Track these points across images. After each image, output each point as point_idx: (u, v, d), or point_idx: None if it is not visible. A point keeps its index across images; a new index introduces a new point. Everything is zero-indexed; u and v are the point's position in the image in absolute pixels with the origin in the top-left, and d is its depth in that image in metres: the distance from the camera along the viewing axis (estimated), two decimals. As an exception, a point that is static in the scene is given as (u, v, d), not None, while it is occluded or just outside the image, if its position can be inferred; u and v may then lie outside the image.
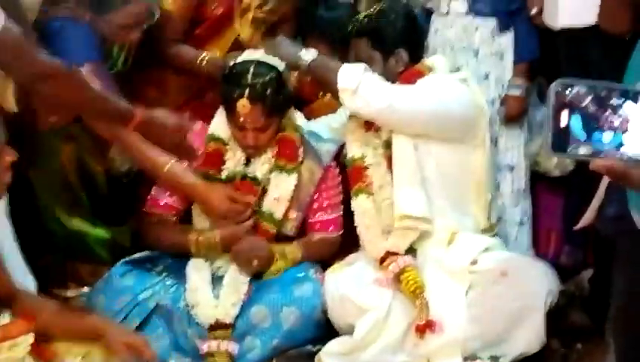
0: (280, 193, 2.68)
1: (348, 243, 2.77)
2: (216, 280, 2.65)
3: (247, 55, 2.70)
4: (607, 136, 0.96)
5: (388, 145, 2.65)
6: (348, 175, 2.73)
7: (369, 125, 2.67)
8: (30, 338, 1.93)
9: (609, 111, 0.96)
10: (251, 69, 2.61)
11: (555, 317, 2.45)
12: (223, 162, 2.71)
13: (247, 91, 2.56)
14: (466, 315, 2.43)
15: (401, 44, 2.68)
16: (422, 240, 2.60)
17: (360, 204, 2.66)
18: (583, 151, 0.97)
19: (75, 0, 2.58)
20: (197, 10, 2.85)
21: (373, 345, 2.46)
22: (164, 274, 2.67)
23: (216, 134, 2.72)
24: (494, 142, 2.90)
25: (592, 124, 0.96)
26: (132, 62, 2.76)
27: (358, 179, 2.67)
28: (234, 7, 2.85)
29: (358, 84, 2.52)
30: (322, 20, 3.03)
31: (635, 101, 0.96)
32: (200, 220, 2.72)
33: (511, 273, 2.45)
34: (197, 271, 2.64)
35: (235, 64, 2.67)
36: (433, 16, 3.00)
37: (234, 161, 2.70)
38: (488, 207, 2.70)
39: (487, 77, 2.92)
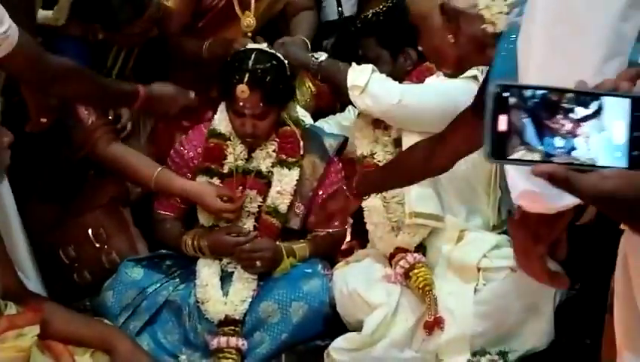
0: (283, 187, 2.69)
1: (362, 234, 2.78)
2: (226, 276, 2.66)
3: (250, 46, 2.72)
4: (557, 142, 0.92)
5: (397, 143, 2.64)
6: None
7: (378, 123, 2.67)
8: (36, 329, 1.94)
9: (558, 114, 0.92)
10: (252, 56, 2.62)
11: (563, 313, 2.43)
12: (225, 157, 2.72)
13: (246, 76, 2.57)
14: (475, 312, 2.42)
15: (410, 43, 2.68)
16: (431, 238, 2.60)
17: (369, 202, 2.66)
18: (526, 156, 0.91)
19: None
20: (198, 3, 2.87)
21: (382, 340, 2.46)
22: (173, 270, 2.70)
23: (218, 129, 2.73)
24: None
25: (540, 129, 0.91)
26: (131, 68, 2.80)
27: None
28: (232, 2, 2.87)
29: (367, 82, 2.52)
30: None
31: (584, 104, 0.92)
32: (204, 216, 2.74)
33: (520, 270, 2.43)
34: (207, 267, 2.66)
35: (236, 52, 2.68)
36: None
37: (235, 155, 2.71)
38: (498, 204, 2.69)
39: None
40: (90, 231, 2.74)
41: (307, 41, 2.85)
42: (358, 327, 2.52)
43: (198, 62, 2.88)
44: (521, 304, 2.41)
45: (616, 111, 0.92)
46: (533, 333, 2.42)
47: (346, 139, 2.82)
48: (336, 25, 3.33)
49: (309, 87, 2.96)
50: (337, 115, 2.97)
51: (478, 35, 1.81)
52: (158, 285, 2.63)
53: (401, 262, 2.51)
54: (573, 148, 0.91)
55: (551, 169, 0.90)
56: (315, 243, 2.75)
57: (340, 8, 3.36)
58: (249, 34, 2.86)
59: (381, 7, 2.72)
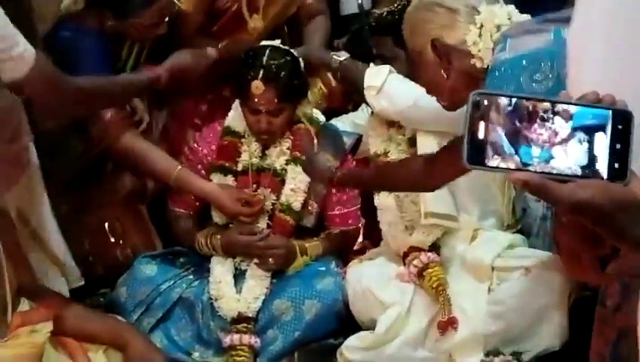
0: (296, 185, 2.69)
1: (373, 233, 2.78)
2: (240, 273, 2.66)
3: (264, 42, 2.73)
4: (535, 150, 0.92)
5: (412, 142, 2.64)
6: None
7: (392, 121, 2.66)
8: (50, 325, 1.95)
9: (536, 123, 0.92)
10: (267, 52, 2.62)
11: (577, 313, 2.42)
12: (239, 154, 2.72)
13: (261, 72, 2.57)
14: (489, 312, 2.42)
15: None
16: (445, 237, 2.60)
17: (383, 201, 2.65)
18: (502, 164, 0.92)
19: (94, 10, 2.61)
20: (211, 5, 2.88)
21: (395, 339, 2.45)
22: (186, 267, 2.71)
23: (232, 127, 2.74)
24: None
25: (518, 138, 0.92)
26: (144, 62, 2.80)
27: None
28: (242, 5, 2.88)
29: (383, 82, 2.52)
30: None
31: (563, 115, 0.92)
32: (218, 215, 2.74)
33: (534, 270, 2.43)
34: (221, 264, 2.66)
35: (251, 48, 2.69)
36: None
37: (249, 153, 2.71)
38: (512, 203, 2.68)
39: None
40: (106, 225, 2.75)
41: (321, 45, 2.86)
42: (371, 326, 2.52)
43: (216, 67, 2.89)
44: (535, 304, 2.40)
45: (597, 123, 0.92)
46: (547, 334, 2.41)
47: (359, 138, 2.81)
48: (351, 20, 3.32)
49: (321, 88, 2.96)
50: (351, 113, 2.96)
51: (468, 70, 1.89)
52: (172, 282, 2.63)
53: (415, 261, 2.51)
54: (552, 158, 0.92)
55: (526, 176, 0.91)
56: (329, 242, 2.75)
57: (360, 1, 3.33)
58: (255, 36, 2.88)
59: (396, 5, 2.70)
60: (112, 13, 2.62)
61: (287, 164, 2.71)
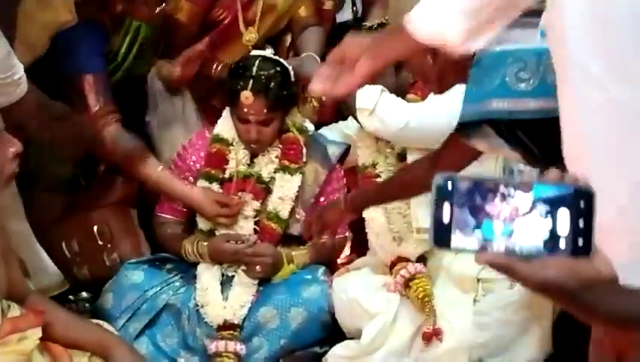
0: (285, 193, 2.70)
1: (359, 245, 2.79)
2: (226, 280, 2.67)
3: (255, 52, 2.74)
4: (497, 226, 0.94)
5: (401, 157, 2.66)
6: (359, 182, 2.74)
7: (381, 135, 2.68)
8: (39, 332, 1.94)
9: (498, 200, 0.94)
10: (256, 63, 2.63)
11: (562, 325, 2.44)
12: (227, 162, 2.73)
13: (250, 82, 2.59)
14: (474, 323, 2.43)
15: None
16: (433, 249, 2.61)
17: (370, 212, 2.67)
18: (469, 245, 0.94)
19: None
20: (206, 16, 2.89)
21: (380, 349, 2.47)
22: (173, 274, 2.70)
23: (221, 135, 2.74)
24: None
25: (480, 215, 0.94)
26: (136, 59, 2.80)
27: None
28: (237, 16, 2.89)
29: (375, 104, 2.54)
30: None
31: (525, 190, 0.95)
32: (202, 221, 2.74)
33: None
34: (207, 271, 2.66)
35: (241, 59, 2.71)
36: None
37: (237, 160, 2.72)
38: None
39: None
40: (95, 227, 2.73)
41: (317, 57, 2.87)
42: (356, 335, 2.53)
43: (205, 74, 2.89)
44: (520, 315, 2.42)
45: (560, 200, 0.94)
46: (531, 345, 2.43)
47: (348, 147, 2.83)
48: (346, 29, 3.32)
49: (312, 101, 2.97)
50: (340, 122, 2.98)
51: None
52: (159, 288, 2.63)
53: (402, 272, 2.52)
54: (514, 233, 0.93)
55: (491, 258, 0.93)
56: (316, 250, 2.75)
57: (354, 7, 3.34)
58: (250, 48, 2.88)
59: (386, 18, 2.72)
60: None
61: (275, 173, 2.71)
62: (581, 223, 0.93)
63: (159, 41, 2.91)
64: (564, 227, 0.93)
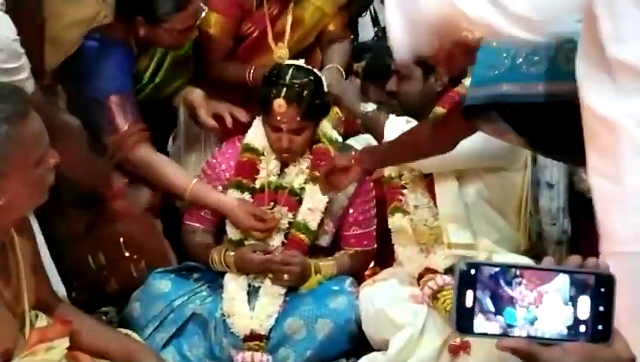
0: (314, 204, 2.69)
1: (384, 257, 2.78)
2: (253, 291, 2.66)
3: (288, 62, 2.75)
4: (519, 312, 0.97)
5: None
6: (384, 193, 2.74)
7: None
8: (66, 342, 1.95)
9: (521, 286, 0.97)
10: (290, 71, 2.64)
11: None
12: (257, 172, 2.73)
13: (284, 91, 2.59)
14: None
15: None
16: (460, 261, 2.59)
17: (396, 223, 2.66)
18: (491, 330, 0.97)
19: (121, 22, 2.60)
20: (237, 28, 2.90)
21: (407, 361, 2.45)
22: (200, 284, 2.71)
23: (252, 144, 2.75)
24: (534, 160, 2.87)
25: (503, 300, 0.97)
26: (163, 81, 2.82)
27: (394, 197, 2.68)
28: (266, 30, 2.89)
29: None
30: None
31: (547, 278, 0.97)
32: (232, 230, 2.74)
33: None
34: (234, 281, 2.66)
35: (274, 67, 2.72)
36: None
37: (268, 171, 2.72)
38: (528, 227, 2.67)
39: None
40: (121, 239, 2.74)
41: (341, 69, 2.88)
42: (383, 346, 2.51)
43: (241, 85, 2.90)
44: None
45: (581, 286, 0.97)
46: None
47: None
48: (369, 46, 3.33)
49: (337, 112, 2.98)
50: (367, 134, 2.97)
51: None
52: (186, 298, 2.63)
53: (430, 283, 2.51)
54: (536, 319, 0.96)
55: (514, 344, 0.95)
56: (343, 262, 2.75)
57: (375, 28, 3.36)
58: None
59: None
60: (145, 20, 2.62)
61: (305, 183, 2.71)
62: (601, 308, 0.96)
63: (188, 62, 2.93)
64: (584, 312, 0.97)
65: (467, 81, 2.71)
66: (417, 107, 2.70)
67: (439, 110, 2.67)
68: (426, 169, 2.61)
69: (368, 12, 3.53)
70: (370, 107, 2.68)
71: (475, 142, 2.36)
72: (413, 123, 2.57)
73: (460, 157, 2.44)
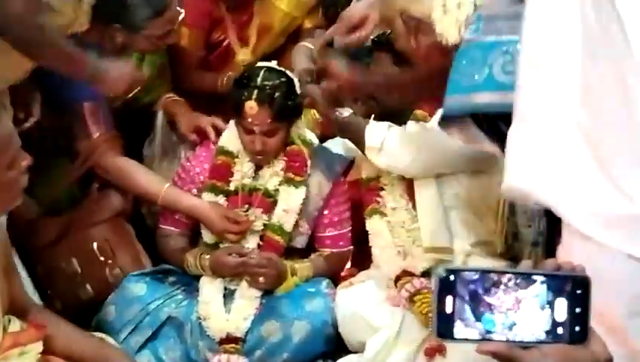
0: (289, 205, 2.69)
1: (361, 258, 2.78)
2: (229, 293, 2.65)
3: (260, 63, 2.74)
4: (498, 318, 0.98)
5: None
6: (362, 195, 2.74)
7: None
8: (40, 346, 1.94)
9: (499, 292, 0.98)
10: (261, 73, 2.64)
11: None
12: (232, 174, 2.72)
13: (255, 93, 2.58)
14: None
15: None
16: (437, 263, 2.59)
17: (374, 225, 2.66)
18: (471, 336, 0.98)
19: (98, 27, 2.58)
20: (207, 37, 2.91)
21: (384, 363, 2.45)
22: (175, 287, 2.69)
23: (226, 147, 2.74)
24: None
25: (481, 307, 0.98)
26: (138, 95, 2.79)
27: (371, 199, 2.68)
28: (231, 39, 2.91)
29: (382, 141, 2.55)
30: None
31: (525, 283, 0.98)
32: (207, 234, 2.73)
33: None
34: (210, 284, 2.65)
35: (245, 70, 2.72)
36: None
37: (242, 173, 2.71)
38: (505, 231, 2.68)
39: None
40: (95, 244, 2.72)
41: (310, 45, 2.86)
42: (360, 348, 2.51)
43: (213, 94, 2.91)
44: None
45: (558, 289, 0.99)
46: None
47: (352, 161, 2.82)
48: None
49: (314, 114, 2.98)
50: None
51: (436, 43, 1.86)
52: (161, 301, 2.62)
53: (407, 286, 2.51)
54: (514, 325, 0.98)
55: (494, 348, 0.97)
56: (319, 263, 2.74)
57: None
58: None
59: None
60: (122, 27, 2.60)
61: (280, 185, 2.70)
62: (577, 310, 0.98)
63: (165, 72, 2.92)
64: (561, 315, 0.98)
65: None
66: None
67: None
68: (408, 174, 2.61)
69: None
70: (347, 112, 2.68)
71: (461, 147, 2.38)
72: (395, 128, 2.58)
73: (444, 161, 2.45)
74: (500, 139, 1.85)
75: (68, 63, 2.32)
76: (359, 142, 2.62)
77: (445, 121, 1.84)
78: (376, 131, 2.57)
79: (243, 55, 2.86)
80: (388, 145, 2.54)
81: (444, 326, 0.98)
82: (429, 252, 2.54)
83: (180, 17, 2.68)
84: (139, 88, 2.60)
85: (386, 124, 2.60)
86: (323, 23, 3.08)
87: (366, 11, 2.45)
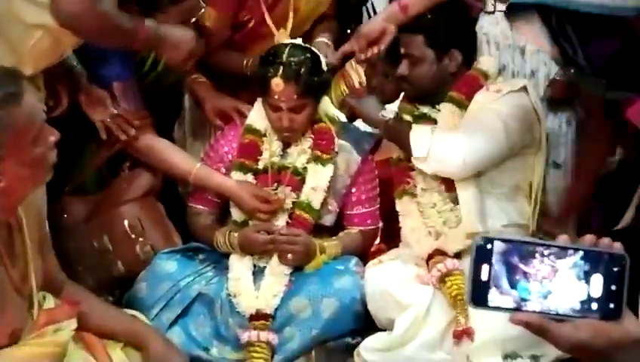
0: (317, 183, 2.69)
1: (389, 235, 2.78)
2: (258, 271, 2.67)
3: (285, 41, 2.74)
4: (533, 286, 0.99)
5: None
6: (392, 174, 2.74)
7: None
8: (74, 323, 1.96)
9: (536, 261, 0.99)
10: (287, 50, 2.63)
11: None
12: (260, 153, 2.73)
13: (280, 69, 2.58)
14: (506, 318, 2.40)
15: (456, 45, 2.67)
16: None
17: (404, 207, 2.67)
18: (505, 304, 0.99)
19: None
20: (233, 18, 2.89)
21: (413, 341, 2.45)
22: (205, 264, 2.71)
23: (254, 125, 2.75)
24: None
25: (517, 275, 0.99)
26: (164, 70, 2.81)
27: (402, 179, 2.69)
28: (265, 18, 2.88)
29: (428, 150, 2.56)
30: None
31: (562, 254, 0.99)
32: (237, 212, 2.74)
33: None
34: (239, 261, 2.67)
35: (271, 47, 2.70)
36: (480, 15, 2.95)
37: (270, 152, 2.72)
38: (539, 211, 2.68)
39: (533, 74, 2.84)
40: (126, 222, 2.74)
41: (329, 42, 2.88)
42: (388, 326, 2.52)
43: (238, 74, 2.90)
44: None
45: (594, 265, 0.99)
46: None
47: (380, 139, 2.81)
48: None
49: (344, 90, 2.97)
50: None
51: None
52: (191, 278, 2.64)
53: (440, 266, 2.51)
54: (550, 294, 0.99)
55: (526, 318, 0.98)
56: (347, 241, 2.75)
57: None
58: None
59: None
60: (140, 11, 2.60)
61: (308, 163, 2.71)
62: (613, 287, 0.99)
63: None
64: (597, 291, 0.99)
65: (481, 63, 2.72)
66: (431, 91, 2.70)
67: (454, 95, 2.66)
68: (458, 177, 2.62)
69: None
70: (390, 113, 2.67)
71: (503, 141, 2.39)
72: (438, 130, 2.57)
73: (489, 158, 2.45)
74: (567, 40, 1.81)
75: (133, 38, 2.34)
76: (405, 148, 2.62)
77: (512, 12, 1.80)
78: (421, 139, 2.58)
79: (281, 37, 2.84)
80: (434, 152, 2.56)
81: (478, 294, 0.99)
82: (470, 238, 2.52)
83: (201, 12, 2.67)
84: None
85: (429, 128, 2.60)
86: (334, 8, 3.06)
87: (383, 25, 2.47)
